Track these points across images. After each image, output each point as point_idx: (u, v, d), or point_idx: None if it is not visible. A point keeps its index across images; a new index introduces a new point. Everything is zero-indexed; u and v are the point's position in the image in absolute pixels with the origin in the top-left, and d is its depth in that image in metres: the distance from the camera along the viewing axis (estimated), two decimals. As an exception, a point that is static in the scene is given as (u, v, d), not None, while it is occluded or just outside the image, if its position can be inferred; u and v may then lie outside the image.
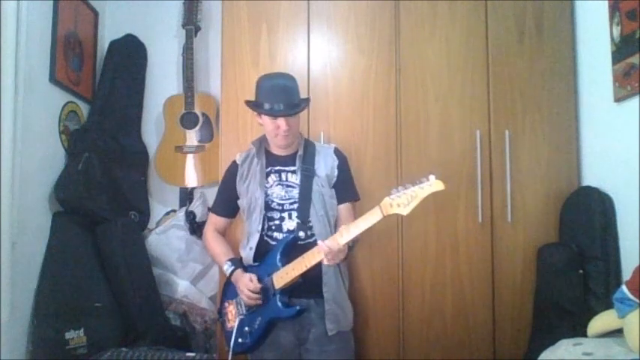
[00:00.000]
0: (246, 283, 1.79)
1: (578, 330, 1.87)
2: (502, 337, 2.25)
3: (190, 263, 2.77)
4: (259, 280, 1.80)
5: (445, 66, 2.36)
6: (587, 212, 2.12)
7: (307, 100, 1.93)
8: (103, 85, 2.86)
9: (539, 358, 1.72)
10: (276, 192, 1.89)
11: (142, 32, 3.00)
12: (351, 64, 2.37)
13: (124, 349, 2.27)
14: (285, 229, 1.86)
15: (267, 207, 1.87)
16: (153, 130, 3.01)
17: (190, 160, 2.86)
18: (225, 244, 2.01)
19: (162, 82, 3.02)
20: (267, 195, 1.88)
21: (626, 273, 1.85)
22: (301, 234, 1.81)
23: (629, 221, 1.99)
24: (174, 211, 2.90)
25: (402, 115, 2.34)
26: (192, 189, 2.91)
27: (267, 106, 1.80)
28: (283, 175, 1.91)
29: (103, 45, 3.00)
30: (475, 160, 2.28)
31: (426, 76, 2.35)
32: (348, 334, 1.92)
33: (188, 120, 2.86)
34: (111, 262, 2.54)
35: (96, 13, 2.94)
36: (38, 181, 2.39)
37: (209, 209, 2.81)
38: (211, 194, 2.86)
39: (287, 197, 1.88)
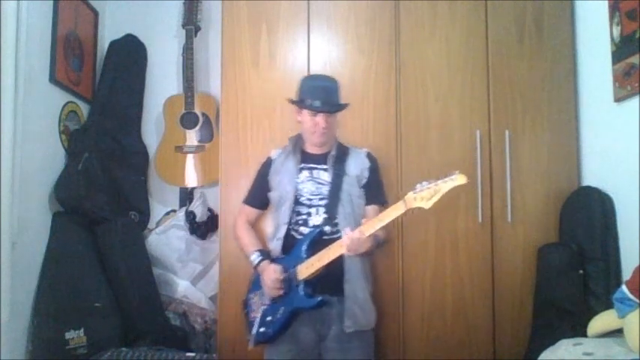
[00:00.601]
0: (270, 274, 1.83)
1: (578, 330, 1.86)
2: (502, 337, 2.25)
3: (190, 263, 2.78)
4: (284, 271, 1.84)
5: (445, 66, 2.36)
6: (587, 212, 2.12)
7: (347, 105, 1.98)
8: (103, 85, 2.86)
9: (539, 358, 1.72)
10: (307, 187, 1.93)
11: (142, 32, 3.00)
12: (351, 64, 2.37)
13: (124, 349, 2.28)
14: (311, 224, 1.89)
15: (297, 201, 1.92)
16: (153, 130, 3.01)
17: (190, 160, 2.86)
18: (254, 236, 2.05)
19: (163, 82, 3.02)
20: (297, 189, 1.93)
21: (626, 273, 1.85)
22: (327, 228, 1.86)
23: (629, 221, 1.99)
24: (174, 211, 2.90)
25: (402, 115, 2.34)
26: (192, 189, 2.91)
27: (308, 102, 1.88)
28: (315, 173, 1.95)
29: (103, 45, 3.00)
30: (475, 160, 2.28)
31: (426, 76, 2.35)
32: (369, 334, 1.94)
33: (188, 120, 2.86)
34: (111, 262, 2.54)
35: (96, 13, 2.94)
36: (38, 181, 2.40)
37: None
38: (211, 194, 2.87)
39: (317, 193, 1.92)
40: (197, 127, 2.85)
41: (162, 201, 2.98)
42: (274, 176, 2.00)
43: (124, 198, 2.78)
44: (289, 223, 1.91)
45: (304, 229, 1.89)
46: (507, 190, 2.28)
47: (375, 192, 1.98)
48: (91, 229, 2.56)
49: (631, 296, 1.53)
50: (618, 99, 2.03)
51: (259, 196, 2.06)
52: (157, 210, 2.96)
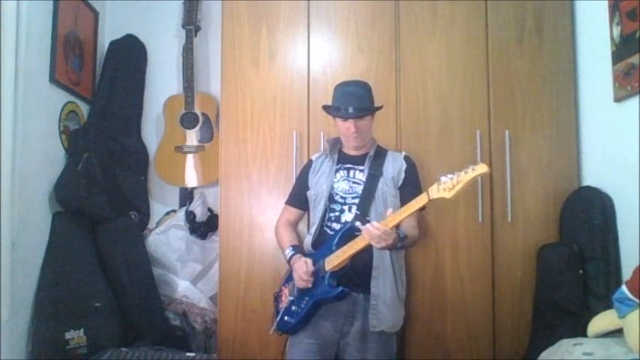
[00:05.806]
0: (301, 265, 1.87)
1: (578, 330, 1.86)
2: (502, 337, 2.25)
3: (190, 263, 2.78)
4: (314, 264, 1.88)
5: (445, 66, 2.36)
6: (587, 212, 2.12)
7: (378, 108, 2.01)
8: (103, 85, 2.86)
9: (539, 358, 1.72)
10: (341, 186, 2.00)
11: (142, 32, 3.00)
12: (351, 64, 2.37)
13: (124, 349, 2.27)
14: (342, 220, 1.95)
15: (331, 199, 1.99)
16: (153, 130, 3.01)
17: (190, 160, 2.86)
18: (291, 233, 2.12)
19: (162, 82, 3.02)
20: (332, 188, 2.00)
21: (626, 273, 1.85)
22: (358, 224, 1.88)
23: (629, 221, 1.99)
24: (174, 211, 2.90)
25: (402, 115, 2.34)
26: (192, 189, 2.91)
27: (338, 109, 1.95)
28: (351, 173, 2.01)
29: (103, 45, 3.00)
30: (475, 160, 2.27)
31: (426, 76, 2.36)
32: (391, 337, 1.95)
33: (188, 120, 2.86)
34: (111, 262, 2.54)
35: (96, 13, 2.94)
36: (38, 181, 2.39)
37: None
38: (211, 194, 2.87)
39: (350, 191, 1.98)
40: (197, 127, 2.85)
41: (162, 201, 2.98)
42: (312, 176, 2.08)
43: (124, 198, 2.78)
44: (323, 220, 1.98)
45: (336, 225, 1.95)
46: (507, 190, 2.28)
47: (411, 193, 1.95)
48: (91, 229, 2.56)
49: (631, 296, 1.53)
50: (618, 99, 2.03)
51: (299, 196, 2.13)
52: (157, 210, 2.95)
